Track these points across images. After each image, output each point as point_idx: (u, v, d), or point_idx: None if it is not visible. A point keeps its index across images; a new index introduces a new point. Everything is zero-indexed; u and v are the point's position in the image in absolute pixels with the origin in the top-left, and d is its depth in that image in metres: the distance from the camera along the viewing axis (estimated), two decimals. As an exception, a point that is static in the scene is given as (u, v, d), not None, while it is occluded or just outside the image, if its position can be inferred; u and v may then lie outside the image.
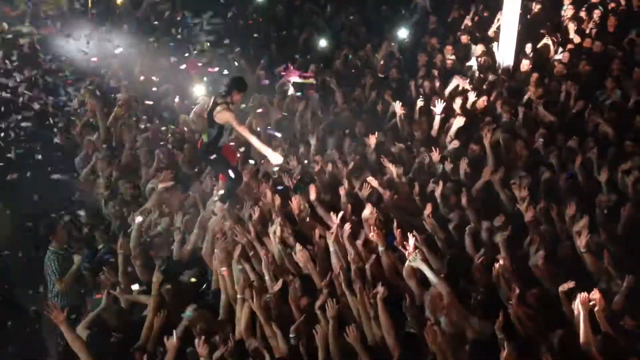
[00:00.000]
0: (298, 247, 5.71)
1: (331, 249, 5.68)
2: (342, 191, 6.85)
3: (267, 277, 5.63)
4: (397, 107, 8.78)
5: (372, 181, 6.92)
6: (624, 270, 4.78)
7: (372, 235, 5.58)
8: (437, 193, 6.64)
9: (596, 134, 7.65)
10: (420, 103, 8.97)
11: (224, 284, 5.67)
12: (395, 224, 5.70)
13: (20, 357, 6.55)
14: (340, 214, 6.07)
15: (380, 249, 5.55)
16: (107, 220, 7.67)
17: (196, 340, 4.88)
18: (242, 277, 5.48)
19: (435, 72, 10.02)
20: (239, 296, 5.34)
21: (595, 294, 4.33)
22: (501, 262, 5.11)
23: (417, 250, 5.05)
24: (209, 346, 4.84)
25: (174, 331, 5.01)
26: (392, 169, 7.16)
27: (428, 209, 6.26)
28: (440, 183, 6.71)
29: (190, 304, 5.47)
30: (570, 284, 4.72)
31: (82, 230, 7.56)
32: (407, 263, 5.07)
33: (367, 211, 6.06)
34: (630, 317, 4.46)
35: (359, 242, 5.80)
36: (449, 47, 10.61)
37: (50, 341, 6.67)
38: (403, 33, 11.69)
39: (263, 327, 5.13)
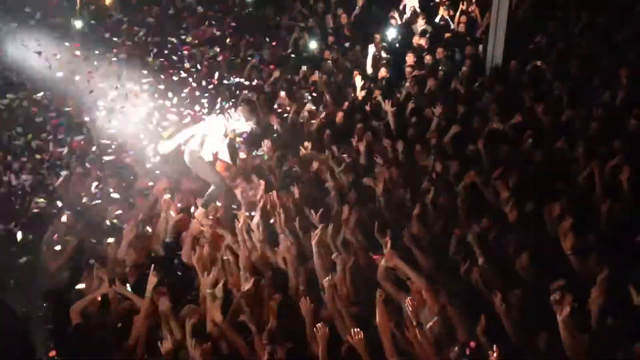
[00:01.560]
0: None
1: (314, 249, 5.70)
2: (331, 188, 6.94)
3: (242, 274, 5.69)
4: (388, 107, 8.81)
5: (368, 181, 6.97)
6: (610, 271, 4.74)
7: (348, 233, 5.69)
8: (429, 196, 6.62)
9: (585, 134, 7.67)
10: (411, 105, 9.00)
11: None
12: (376, 226, 5.74)
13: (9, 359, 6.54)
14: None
15: (357, 245, 5.60)
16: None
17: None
18: (213, 272, 5.49)
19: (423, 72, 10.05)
20: (208, 291, 5.33)
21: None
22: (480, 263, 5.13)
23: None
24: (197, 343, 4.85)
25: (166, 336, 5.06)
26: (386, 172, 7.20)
27: (416, 209, 6.28)
28: (432, 186, 6.74)
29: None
30: (560, 283, 4.75)
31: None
32: (381, 263, 5.10)
33: (345, 212, 6.14)
34: (612, 316, 4.50)
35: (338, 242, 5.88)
36: (439, 50, 10.62)
37: (40, 343, 6.65)
38: (392, 34, 11.71)
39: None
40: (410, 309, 4.47)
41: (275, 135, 9.09)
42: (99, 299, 5.78)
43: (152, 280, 5.53)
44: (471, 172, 6.78)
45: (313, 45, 11.90)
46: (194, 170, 7.66)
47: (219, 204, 7.31)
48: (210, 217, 6.91)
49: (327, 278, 5.14)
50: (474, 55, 10.32)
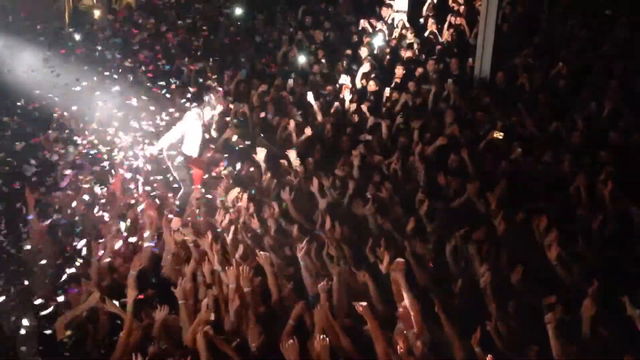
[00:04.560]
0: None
1: (302, 263, 5.70)
2: (321, 205, 6.95)
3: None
4: (382, 114, 8.84)
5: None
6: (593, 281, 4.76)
7: (331, 250, 5.70)
8: (422, 210, 6.61)
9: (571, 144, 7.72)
10: (399, 119, 9.02)
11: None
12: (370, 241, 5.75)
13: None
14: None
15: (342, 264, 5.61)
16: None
17: None
18: (185, 283, 5.45)
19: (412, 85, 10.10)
20: (180, 302, 5.34)
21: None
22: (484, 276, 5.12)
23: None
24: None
25: None
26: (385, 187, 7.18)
27: (411, 224, 6.27)
28: (425, 199, 6.71)
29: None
30: (551, 299, 4.75)
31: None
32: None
33: (328, 225, 6.16)
34: (603, 327, 4.50)
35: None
36: (430, 62, 10.68)
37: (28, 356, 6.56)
38: (381, 47, 11.77)
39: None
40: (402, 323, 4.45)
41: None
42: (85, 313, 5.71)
43: (132, 294, 5.38)
44: (470, 187, 6.77)
45: (302, 59, 11.89)
46: (170, 165, 7.87)
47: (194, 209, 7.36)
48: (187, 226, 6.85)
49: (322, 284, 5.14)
50: (462, 68, 10.38)
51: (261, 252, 5.79)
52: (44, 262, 6.86)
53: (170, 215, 7.09)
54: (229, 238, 6.45)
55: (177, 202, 7.58)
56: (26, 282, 7.00)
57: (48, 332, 5.74)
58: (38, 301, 6.51)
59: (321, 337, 4.47)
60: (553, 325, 4.26)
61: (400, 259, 4.91)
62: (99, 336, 5.66)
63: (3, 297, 6.63)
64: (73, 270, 6.60)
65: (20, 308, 6.52)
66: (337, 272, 5.40)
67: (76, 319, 5.63)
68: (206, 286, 5.72)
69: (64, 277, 6.66)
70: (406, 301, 4.73)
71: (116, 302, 5.64)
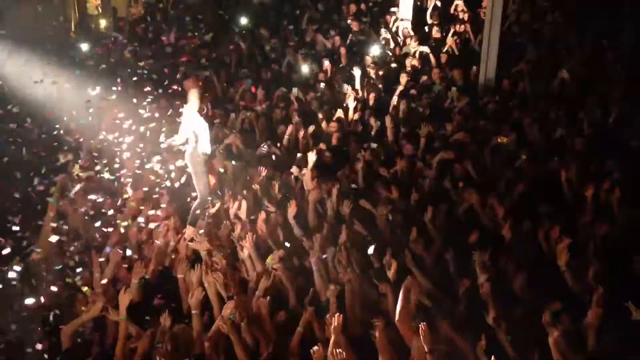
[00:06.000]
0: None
1: (314, 267, 5.69)
2: (328, 206, 6.96)
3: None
4: (388, 121, 8.86)
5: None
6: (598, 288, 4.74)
7: (341, 256, 5.67)
8: (427, 217, 6.55)
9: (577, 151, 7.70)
10: (404, 127, 9.02)
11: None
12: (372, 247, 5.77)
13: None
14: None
15: (348, 269, 5.56)
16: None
17: None
18: (196, 291, 5.43)
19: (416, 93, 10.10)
20: (193, 312, 5.32)
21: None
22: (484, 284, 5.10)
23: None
24: None
25: None
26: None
27: (414, 233, 6.24)
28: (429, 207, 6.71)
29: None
30: (556, 306, 4.74)
31: None
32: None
33: (344, 235, 6.11)
34: (609, 335, 4.48)
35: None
36: (435, 71, 10.69)
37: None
38: (385, 55, 11.79)
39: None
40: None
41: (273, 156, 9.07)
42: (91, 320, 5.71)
43: (124, 301, 5.34)
44: (472, 194, 6.73)
45: (306, 67, 11.91)
46: (192, 172, 7.70)
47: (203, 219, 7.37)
48: (200, 236, 6.85)
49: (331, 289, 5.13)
50: (466, 75, 10.39)
51: (276, 266, 5.79)
52: (51, 270, 6.92)
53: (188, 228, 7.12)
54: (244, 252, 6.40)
55: (195, 212, 7.48)
56: (32, 291, 7.08)
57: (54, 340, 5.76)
58: (43, 310, 6.58)
59: (338, 351, 4.40)
60: (554, 338, 4.24)
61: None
62: (105, 346, 5.66)
63: (9, 304, 6.69)
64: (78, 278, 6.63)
65: (26, 316, 6.55)
66: (348, 279, 5.38)
67: (82, 328, 5.65)
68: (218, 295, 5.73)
69: (70, 285, 6.71)
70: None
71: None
